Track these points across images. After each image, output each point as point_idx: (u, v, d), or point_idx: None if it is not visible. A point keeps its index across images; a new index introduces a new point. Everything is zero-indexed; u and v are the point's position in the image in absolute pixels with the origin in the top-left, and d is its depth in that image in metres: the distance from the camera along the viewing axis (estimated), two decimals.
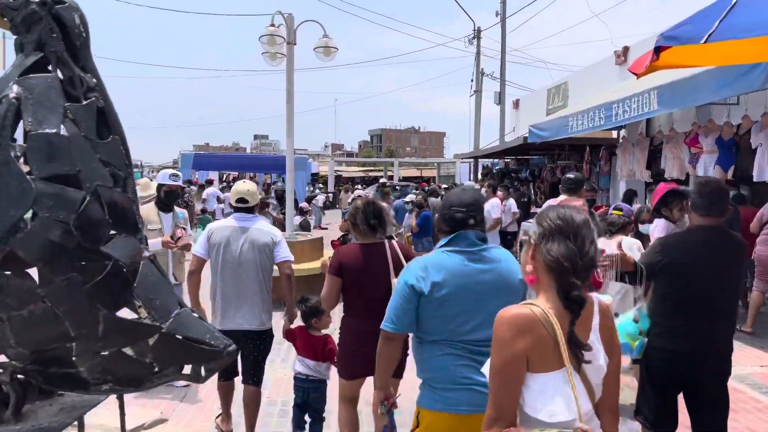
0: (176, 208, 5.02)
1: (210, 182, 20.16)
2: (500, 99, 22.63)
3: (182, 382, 4.81)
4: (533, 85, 21.39)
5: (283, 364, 5.54)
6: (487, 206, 9.23)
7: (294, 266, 3.97)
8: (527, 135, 12.54)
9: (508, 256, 2.41)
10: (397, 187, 19.74)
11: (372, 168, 45.35)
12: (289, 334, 3.90)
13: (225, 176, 27.52)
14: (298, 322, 3.93)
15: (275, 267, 3.83)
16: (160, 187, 4.83)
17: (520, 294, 2.25)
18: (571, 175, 5.50)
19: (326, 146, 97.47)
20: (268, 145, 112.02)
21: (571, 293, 1.59)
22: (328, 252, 9.28)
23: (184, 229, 4.96)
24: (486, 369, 1.67)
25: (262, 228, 3.83)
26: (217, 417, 4.13)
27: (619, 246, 4.53)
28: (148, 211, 4.77)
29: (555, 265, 1.62)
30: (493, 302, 2.10)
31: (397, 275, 3.03)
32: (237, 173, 26.64)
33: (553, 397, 1.58)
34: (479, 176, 20.39)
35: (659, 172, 9.96)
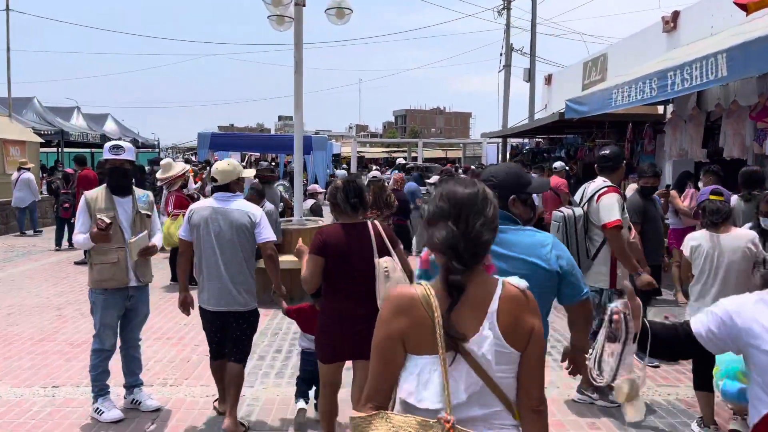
0: (138, 190, 4.04)
1: None
2: (530, 75, 21.36)
3: (153, 404, 3.99)
4: (566, 61, 20.04)
5: (277, 381, 4.66)
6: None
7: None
8: (563, 111, 11.46)
9: (534, 242, 2.18)
10: (424, 169, 18.60)
11: (396, 149, 44.41)
12: (291, 313, 3.88)
13: (247, 157, 26.77)
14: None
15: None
16: (103, 164, 3.86)
17: (543, 281, 2.12)
18: (606, 151, 4.42)
19: (350, 127, 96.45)
20: (292, 126, 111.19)
21: (450, 277, 1.53)
22: None
23: (149, 215, 4.01)
24: None
25: (240, 208, 3.76)
26: (215, 401, 4.04)
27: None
28: (96, 195, 3.84)
29: (438, 250, 1.57)
30: None
31: (381, 256, 3.07)
32: (259, 154, 25.87)
33: (426, 382, 1.52)
34: (508, 157, 19.26)
35: (717, 150, 8.79)
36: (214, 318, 3.71)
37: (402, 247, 3.27)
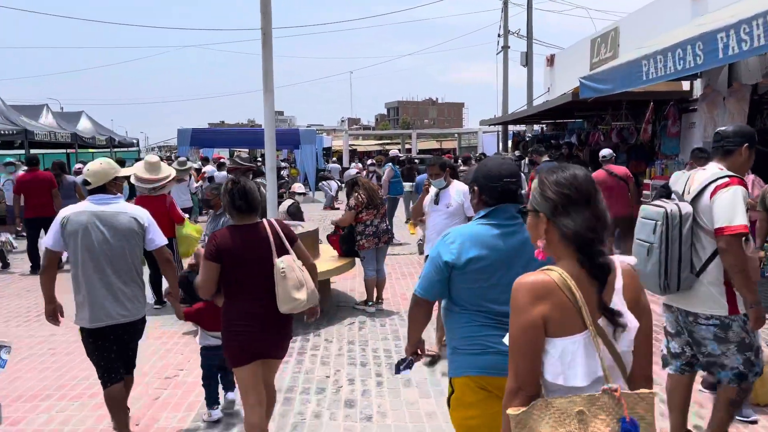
0: None
1: (206, 160, 18.00)
2: (527, 58, 20.04)
3: None
4: (567, 42, 18.69)
5: None
6: None
7: None
8: (569, 91, 10.17)
9: None
10: (415, 161, 17.20)
11: (389, 141, 43.24)
12: (191, 316, 3.82)
13: (235, 153, 25.43)
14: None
15: None
16: None
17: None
18: (727, 129, 3.13)
19: (342, 121, 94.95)
20: (283, 122, 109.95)
21: (597, 261, 1.58)
22: (324, 248, 7.01)
23: None
24: (507, 339, 1.67)
25: (125, 211, 3.50)
26: None
27: None
28: None
29: (577, 238, 1.59)
30: (516, 270, 2.12)
31: (279, 255, 3.11)
32: (248, 150, 24.60)
33: (572, 362, 1.56)
34: (509, 146, 17.96)
35: (766, 128, 7.50)
36: (107, 334, 3.41)
37: (300, 242, 3.30)
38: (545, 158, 9.41)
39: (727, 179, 2.89)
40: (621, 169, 8.14)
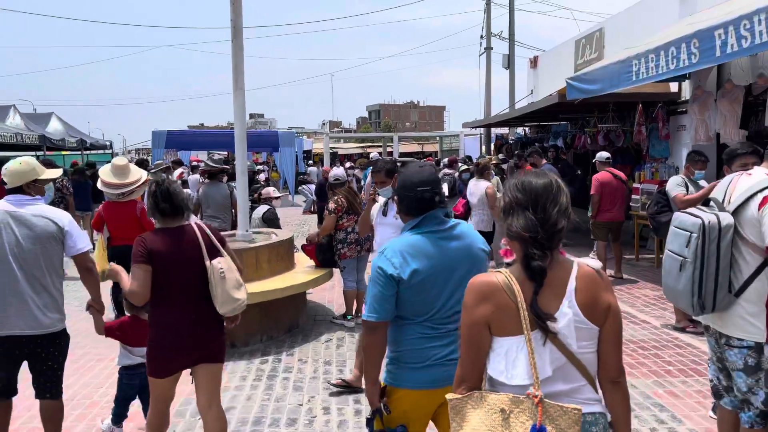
0: None
1: (178, 163, 17.37)
2: (509, 60, 19.78)
3: None
4: (550, 45, 18.46)
5: None
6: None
7: (249, 287, 3.38)
8: (556, 93, 9.87)
9: (473, 230, 2.44)
10: (398, 164, 16.84)
11: (370, 144, 42.90)
12: (112, 331, 3.53)
13: (208, 155, 24.87)
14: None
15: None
16: None
17: (484, 263, 2.34)
18: None
19: (323, 124, 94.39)
20: (264, 124, 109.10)
21: (531, 263, 1.64)
22: (299, 257, 6.55)
23: None
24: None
25: (42, 213, 3.26)
26: None
27: None
28: None
29: (517, 238, 1.68)
30: (459, 273, 2.25)
31: (210, 257, 3.04)
32: (227, 152, 24.07)
33: (514, 361, 1.63)
34: (492, 149, 17.67)
35: (760, 131, 7.23)
36: (12, 346, 3.16)
37: (228, 245, 3.24)
38: (544, 161, 9.39)
39: None
40: (620, 173, 8.02)
